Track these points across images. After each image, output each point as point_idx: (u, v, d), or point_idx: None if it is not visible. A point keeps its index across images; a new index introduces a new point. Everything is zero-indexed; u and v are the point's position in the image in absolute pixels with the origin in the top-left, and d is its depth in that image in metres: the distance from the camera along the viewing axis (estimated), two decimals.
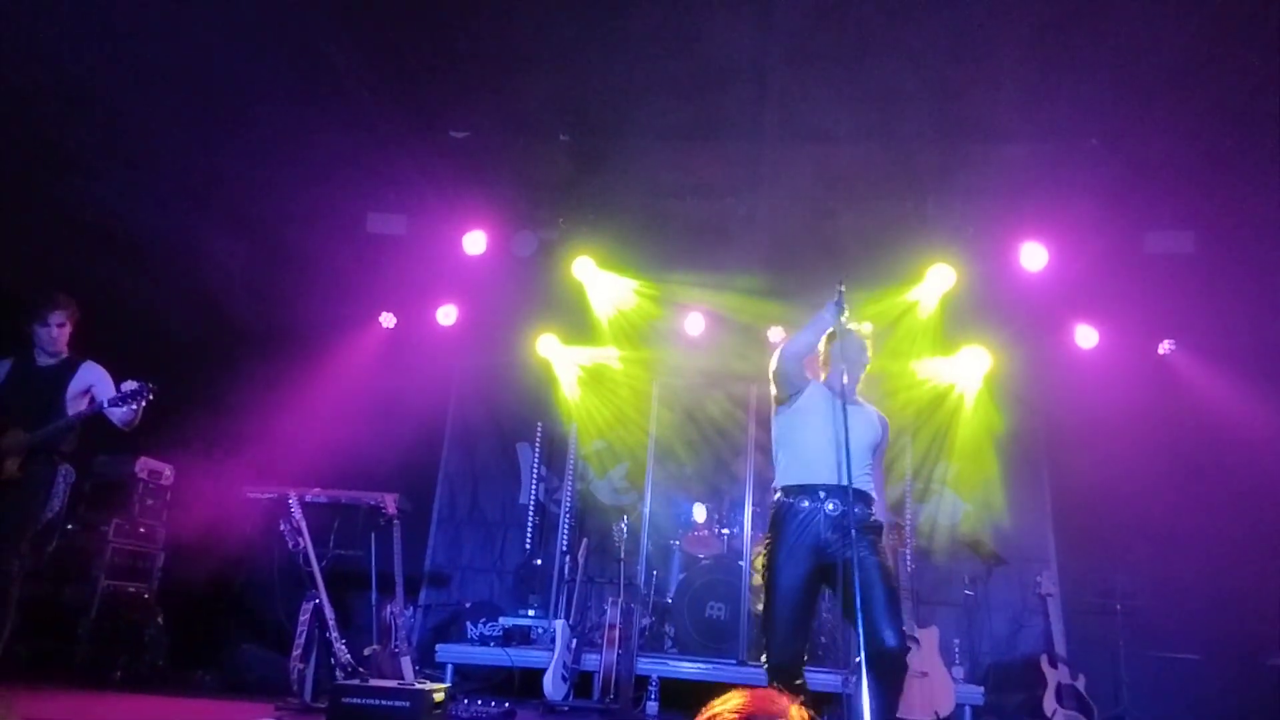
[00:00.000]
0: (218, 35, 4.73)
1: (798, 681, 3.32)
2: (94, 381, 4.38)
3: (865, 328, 3.67)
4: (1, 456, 4.08)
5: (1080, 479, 6.49)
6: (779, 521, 3.42)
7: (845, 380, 3.40)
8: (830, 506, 3.32)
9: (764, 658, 3.37)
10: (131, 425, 4.31)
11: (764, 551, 3.46)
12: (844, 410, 3.24)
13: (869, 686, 2.82)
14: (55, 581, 5.47)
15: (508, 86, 5.20)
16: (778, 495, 3.51)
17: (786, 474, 3.50)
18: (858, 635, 2.89)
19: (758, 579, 5.95)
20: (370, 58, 4.97)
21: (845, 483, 3.15)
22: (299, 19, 4.60)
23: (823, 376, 3.66)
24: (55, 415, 4.22)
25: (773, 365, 3.57)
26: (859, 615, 2.91)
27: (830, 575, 3.29)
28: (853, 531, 3.16)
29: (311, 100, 5.26)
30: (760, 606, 3.43)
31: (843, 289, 3.49)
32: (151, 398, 4.19)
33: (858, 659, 2.91)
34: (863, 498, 3.40)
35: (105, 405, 4.18)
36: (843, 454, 3.18)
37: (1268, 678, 5.63)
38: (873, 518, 3.44)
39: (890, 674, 3.10)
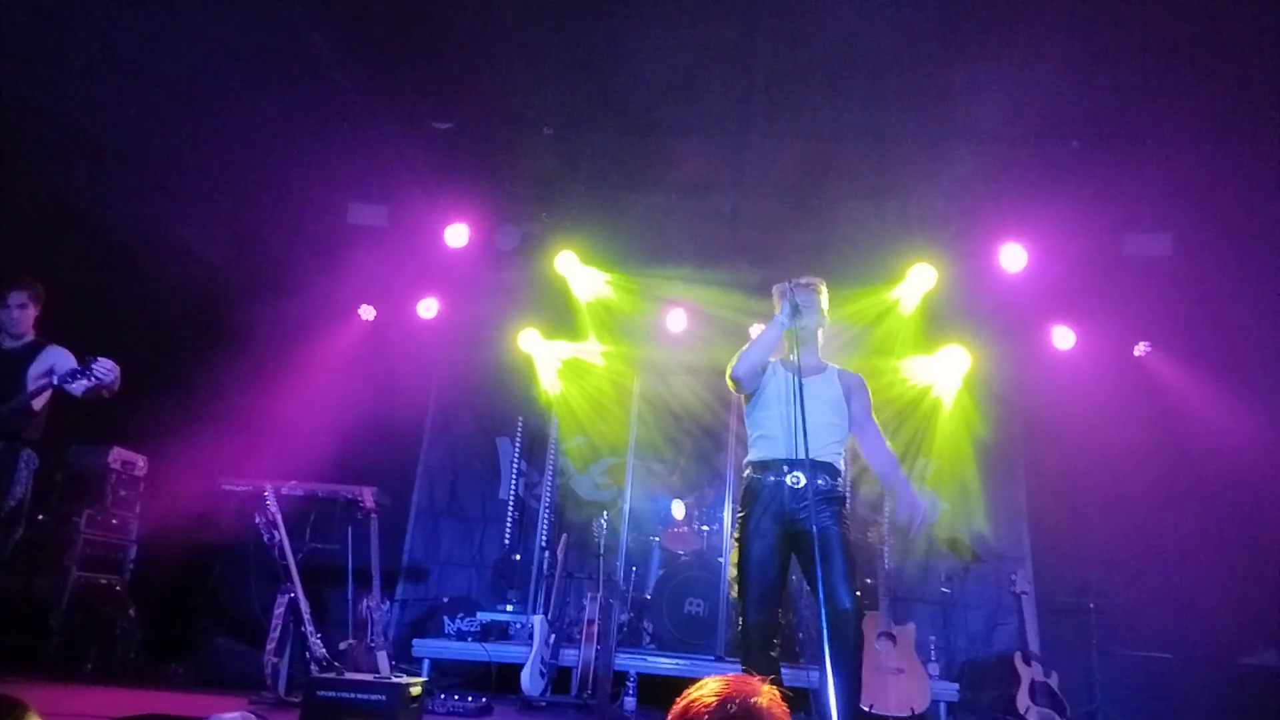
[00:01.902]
0: (196, 21, 4.66)
1: (772, 654, 3.46)
2: (55, 363, 4.29)
3: (815, 282, 3.74)
4: None
5: (1056, 478, 6.55)
6: (748, 496, 3.63)
7: (799, 367, 3.49)
8: (792, 479, 3.50)
9: (739, 623, 3.54)
10: (98, 393, 4.19)
11: (737, 524, 3.65)
12: (800, 393, 3.42)
13: (830, 649, 3.01)
14: (25, 573, 5.39)
15: (492, 78, 5.17)
16: (747, 472, 3.70)
17: (754, 451, 3.69)
18: (818, 598, 3.15)
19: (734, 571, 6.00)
20: (352, 46, 4.92)
21: (805, 456, 3.35)
22: (281, 7, 4.55)
23: (787, 350, 3.70)
24: (7, 397, 4.14)
25: (727, 376, 3.68)
26: (819, 580, 3.19)
27: (796, 543, 3.48)
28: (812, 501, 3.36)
29: (292, 89, 5.21)
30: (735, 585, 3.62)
31: (793, 285, 3.60)
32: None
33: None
34: (826, 469, 3.55)
35: (56, 381, 4.10)
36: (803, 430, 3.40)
37: (1239, 676, 5.71)
38: (837, 488, 3.59)
39: (846, 633, 3.27)
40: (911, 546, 6.81)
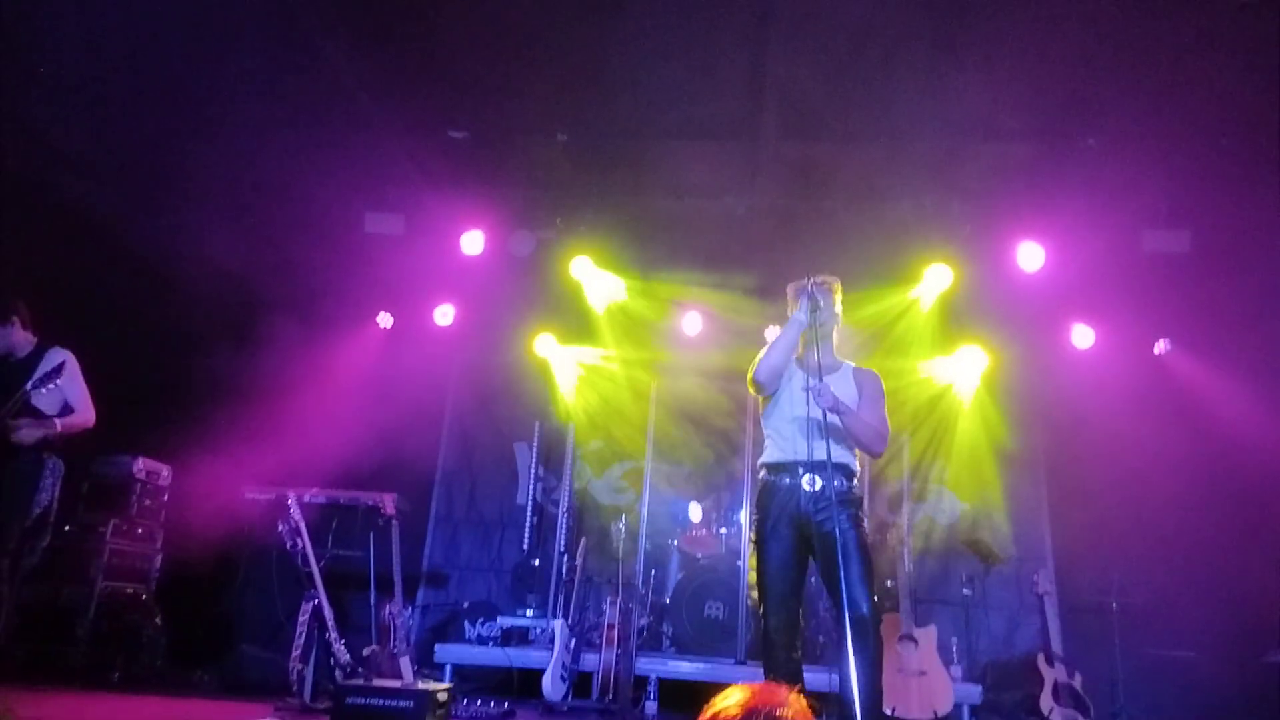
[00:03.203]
0: (215, 32, 4.72)
1: (795, 655, 3.44)
2: (49, 370, 4.20)
3: (832, 280, 3.73)
4: None
5: (1077, 478, 6.51)
6: (763, 498, 3.60)
7: (819, 371, 3.46)
8: (808, 481, 3.47)
9: (761, 626, 3.52)
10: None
11: (754, 526, 3.63)
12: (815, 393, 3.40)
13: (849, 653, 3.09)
14: (53, 583, 5.45)
15: (506, 86, 5.20)
16: (762, 474, 3.66)
17: (768, 452, 3.66)
18: (841, 602, 3.16)
19: (753, 576, 6.00)
20: (369, 56, 4.97)
21: (822, 458, 3.34)
22: (297, 17, 4.60)
23: (802, 350, 3.68)
24: (15, 407, 4.11)
25: (749, 378, 3.65)
26: (836, 583, 3.21)
27: (813, 546, 3.45)
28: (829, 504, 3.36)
29: (309, 99, 5.26)
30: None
31: (814, 282, 3.57)
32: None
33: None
34: (841, 470, 3.50)
35: (28, 399, 4.06)
36: (819, 431, 3.40)
37: (1263, 675, 5.65)
38: (853, 490, 3.54)
39: (866, 637, 3.25)
40: (930, 546, 6.80)
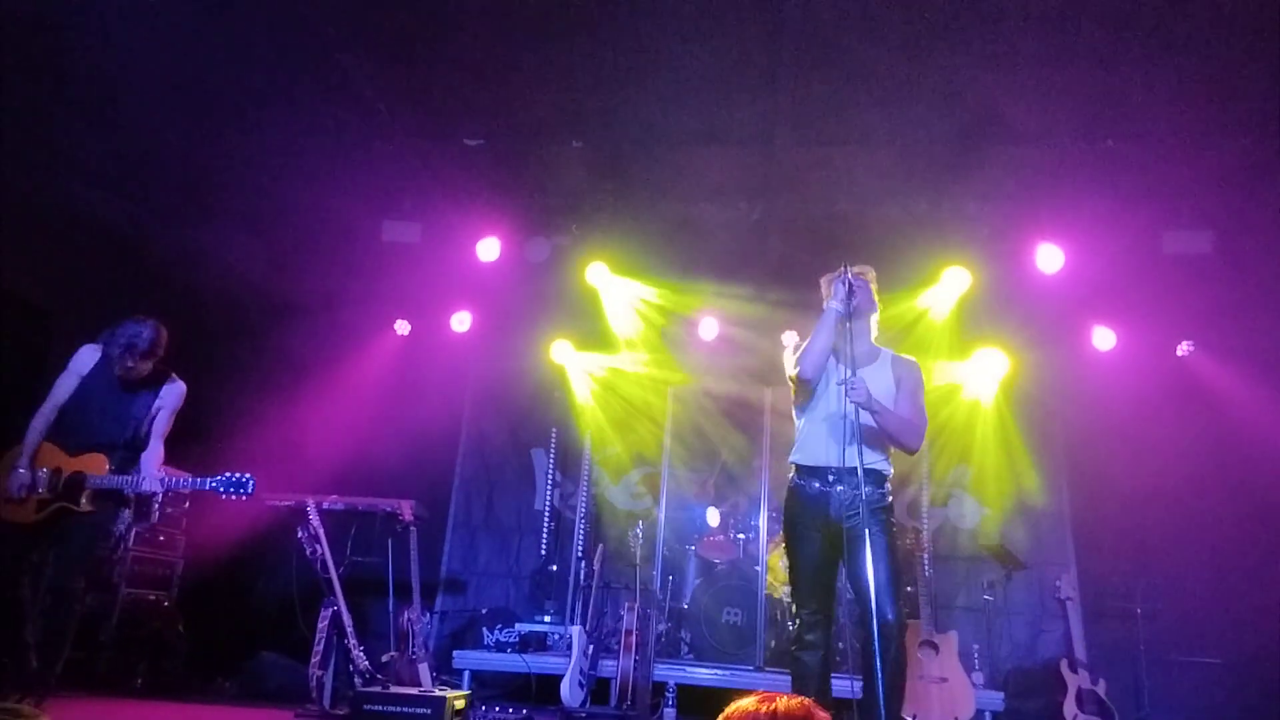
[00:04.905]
0: (233, 45, 4.77)
1: (824, 654, 3.41)
2: (163, 405, 4.11)
3: (867, 270, 3.70)
4: (79, 490, 3.88)
5: (1099, 481, 6.44)
6: (792, 499, 3.56)
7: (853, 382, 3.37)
8: (840, 489, 3.43)
9: (792, 624, 3.52)
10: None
11: (783, 527, 3.62)
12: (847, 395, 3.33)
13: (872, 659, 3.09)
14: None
15: (521, 94, 5.22)
16: (791, 474, 3.61)
17: (800, 453, 3.60)
18: (867, 607, 3.16)
19: (775, 587, 5.97)
20: (384, 67, 5.01)
21: (854, 463, 3.28)
22: (314, 29, 4.64)
23: (838, 341, 3.59)
24: (133, 439, 4.04)
25: (790, 372, 3.59)
26: (861, 589, 3.22)
27: (841, 550, 3.41)
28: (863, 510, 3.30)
29: (327, 109, 5.31)
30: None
31: (849, 271, 3.55)
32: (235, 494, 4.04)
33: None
34: (873, 477, 3.42)
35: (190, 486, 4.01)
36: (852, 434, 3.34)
37: None
38: (885, 496, 3.47)
39: (889, 644, 3.22)
40: (951, 551, 6.74)
